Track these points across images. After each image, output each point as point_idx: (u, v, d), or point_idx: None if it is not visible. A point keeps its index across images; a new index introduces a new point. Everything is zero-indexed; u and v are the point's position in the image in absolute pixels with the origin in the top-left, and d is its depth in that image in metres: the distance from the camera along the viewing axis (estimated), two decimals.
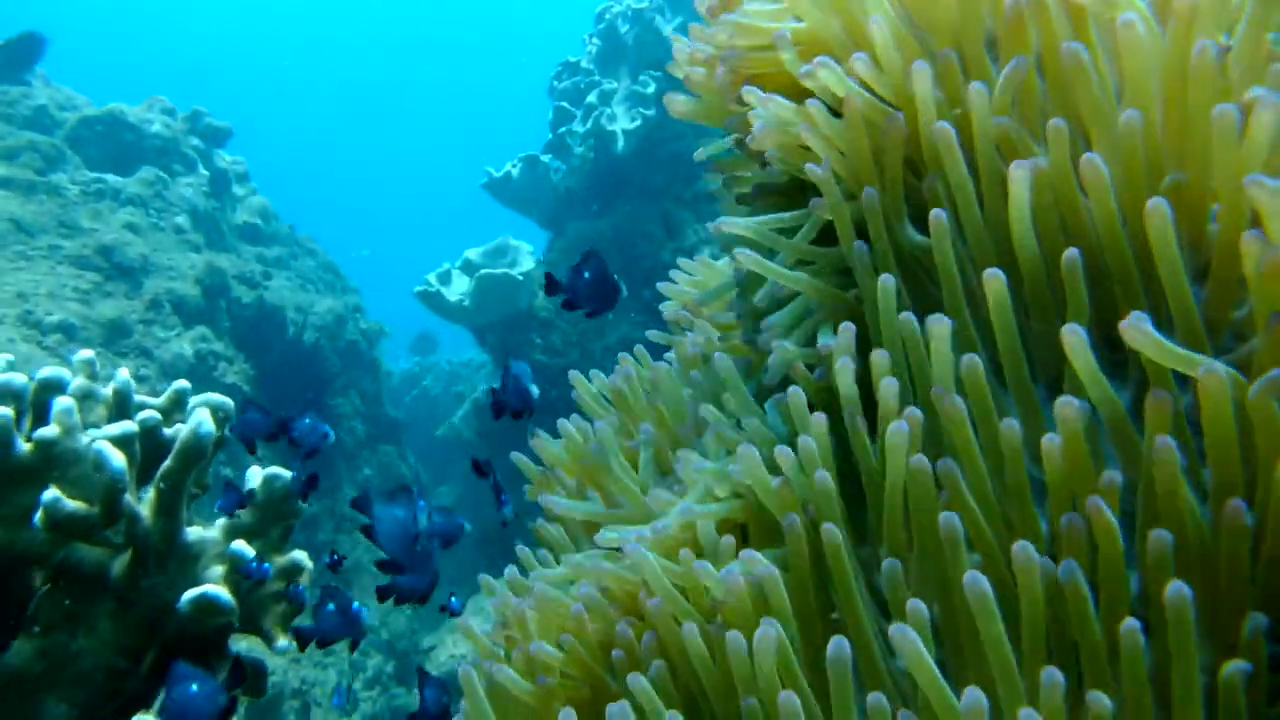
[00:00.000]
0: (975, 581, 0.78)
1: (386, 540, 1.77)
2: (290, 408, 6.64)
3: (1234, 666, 0.73)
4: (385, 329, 7.95)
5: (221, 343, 5.93)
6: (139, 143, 6.37)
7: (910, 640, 0.78)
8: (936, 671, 0.78)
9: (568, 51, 7.19)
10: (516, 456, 1.51)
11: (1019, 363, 0.96)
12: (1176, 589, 0.73)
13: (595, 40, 6.88)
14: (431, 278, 7.02)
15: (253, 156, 8.32)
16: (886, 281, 1.02)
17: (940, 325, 0.95)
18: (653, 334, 1.64)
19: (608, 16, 6.77)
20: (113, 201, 5.74)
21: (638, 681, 0.96)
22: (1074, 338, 0.82)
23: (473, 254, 7.15)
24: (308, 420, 2.60)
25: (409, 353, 12.66)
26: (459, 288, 7.00)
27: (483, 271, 6.76)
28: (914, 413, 0.94)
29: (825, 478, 0.97)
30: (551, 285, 1.76)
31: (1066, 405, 0.82)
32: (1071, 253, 0.91)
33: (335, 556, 1.90)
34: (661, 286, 1.59)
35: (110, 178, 5.83)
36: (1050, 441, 0.83)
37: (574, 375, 1.54)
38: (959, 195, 1.02)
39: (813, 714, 0.89)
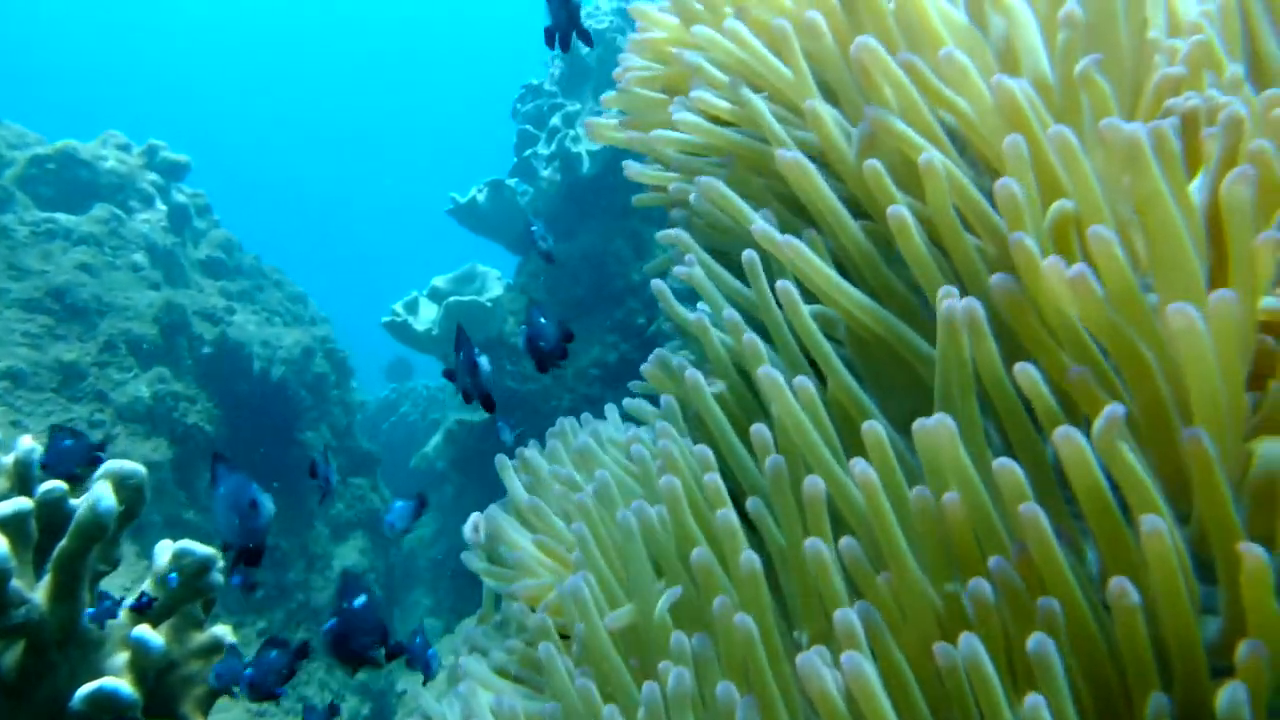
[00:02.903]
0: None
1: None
2: (258, 445, 6.50)
3: None
4: (350, 358, 7.81)
5: (181, 383, 5.78)
6: (93, 180, 6.23)
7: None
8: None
9: (530, 74, 7.10)
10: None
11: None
12: (1038, 641, 0.62)
13: (557, 62, 6.78)
14: (398, 307, 6.89)
15: (217, 188, 8.19)
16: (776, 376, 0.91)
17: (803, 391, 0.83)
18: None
19: None
20: (64, 241, 5.60)
21: None
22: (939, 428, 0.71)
23: (440, 281, 7.03)
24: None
25: (385, 378, 12.51)
26: (427, 316, 6.88)
27: (451, 299, 6.63)
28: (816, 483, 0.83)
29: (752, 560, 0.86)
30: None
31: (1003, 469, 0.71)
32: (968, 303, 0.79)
33: (144, 599, 1.77)
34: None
35: (62, 217, 5.69)
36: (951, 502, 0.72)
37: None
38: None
39: None
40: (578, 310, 6.53)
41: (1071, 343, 0.71)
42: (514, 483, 1.43)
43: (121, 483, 1.82)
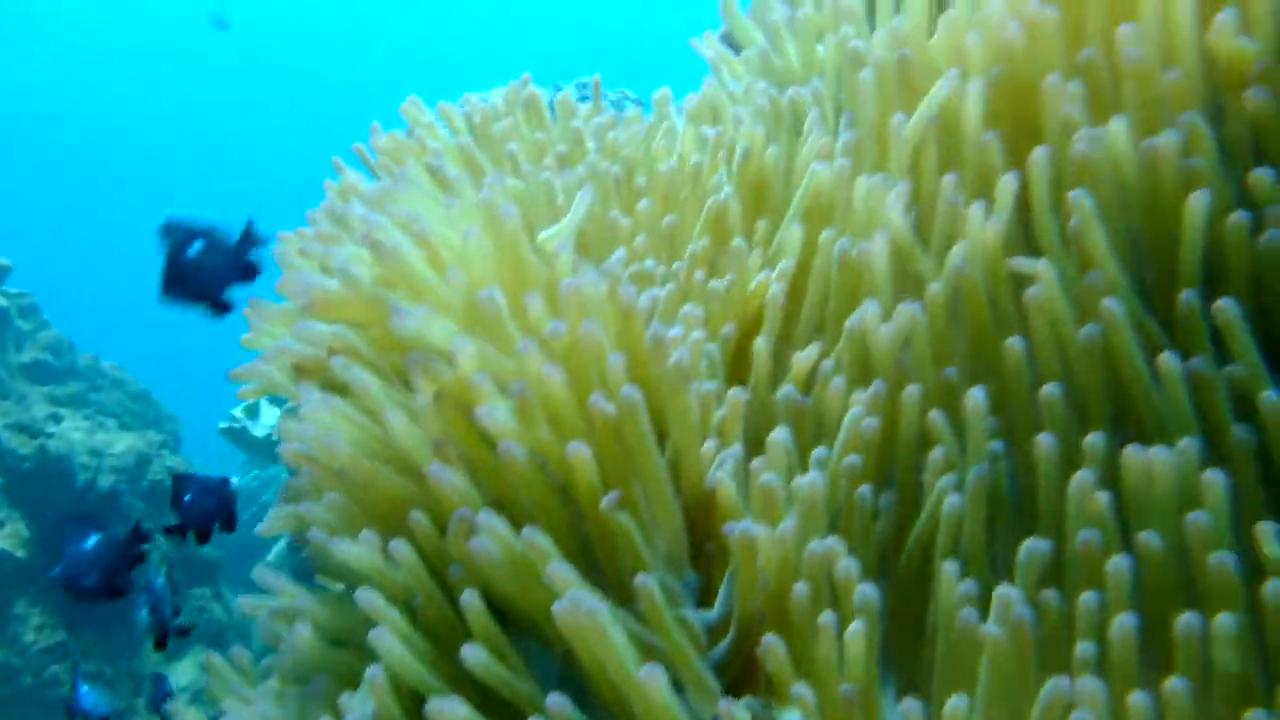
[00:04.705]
0: None
1: None
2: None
3: None
4: (189, 464, 7.49)
5: None
6: None
7: None
8: None
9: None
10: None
11: None
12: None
13: None
14: (238, 412, 6.69)
15: (54, 285, 7.82)
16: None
17: None
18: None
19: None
20: None
21: None
22: None
23: None
24: None
25: (244, 469, 12.05)
26: (267, 421, 6.70)
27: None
28: None
29: None
30: None
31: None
32: None
33: None
34: None
35: None
36: None
37: None
38: None
39: None
40: None
41: None
42: None
43: None
